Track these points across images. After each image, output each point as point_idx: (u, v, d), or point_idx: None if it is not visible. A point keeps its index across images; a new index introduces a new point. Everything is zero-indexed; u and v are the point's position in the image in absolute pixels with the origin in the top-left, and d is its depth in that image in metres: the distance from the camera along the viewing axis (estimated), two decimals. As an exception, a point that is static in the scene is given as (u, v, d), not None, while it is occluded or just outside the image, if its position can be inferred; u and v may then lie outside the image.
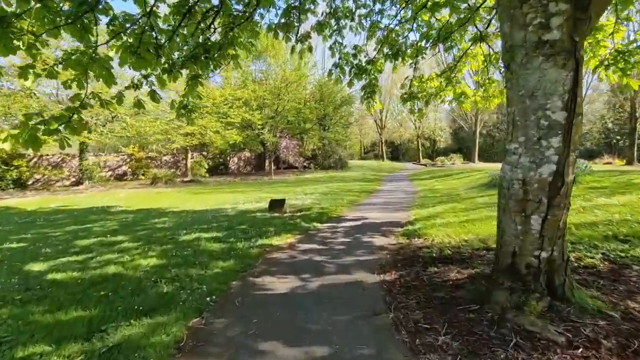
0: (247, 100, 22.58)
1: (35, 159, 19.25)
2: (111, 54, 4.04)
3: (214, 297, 3.84)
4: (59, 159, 20.20)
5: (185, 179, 21.08)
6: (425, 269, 4.56)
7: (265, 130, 22.88)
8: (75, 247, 6.21)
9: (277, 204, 9.49)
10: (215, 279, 4.35)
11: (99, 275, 4.59)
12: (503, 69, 3.88)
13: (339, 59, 7.29)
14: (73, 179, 20.23)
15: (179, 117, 5.44)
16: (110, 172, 22.73)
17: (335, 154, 31.64)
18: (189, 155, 23.62)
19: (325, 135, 31.15)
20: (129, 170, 23.02)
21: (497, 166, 28.62)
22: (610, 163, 31.24)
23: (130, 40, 3.99)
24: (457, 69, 8.23)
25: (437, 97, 8.41)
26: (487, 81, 8.03)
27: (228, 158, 30.96)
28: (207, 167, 21.72)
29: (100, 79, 3.83)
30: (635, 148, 29.52)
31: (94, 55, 3.72)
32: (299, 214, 9.09)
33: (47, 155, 19.77)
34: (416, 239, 6.16)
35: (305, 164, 26.04)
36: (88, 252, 5.79)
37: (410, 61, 7.99)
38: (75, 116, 3.99)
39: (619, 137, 37.44)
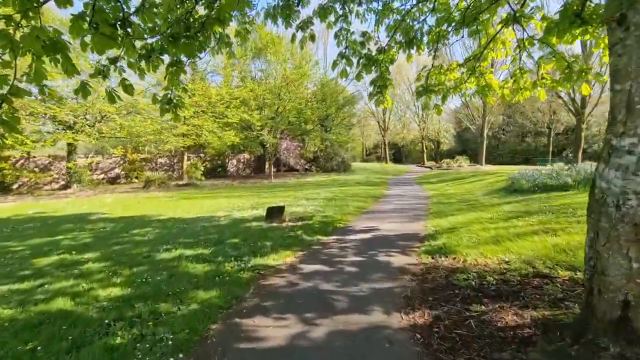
0: (246, 99, 21.56)
1: (21, 161, 18.21)
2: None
3: (181, 355, 2.74)
4: (47, 162, 19.15)
5: (181, 183, 20.02)
6: (468, 306, 3.46)
7: (265, 131, 21.83)
8: (28, 268, 5.12)
9: (275, 212, 8.40)
10: (190, 322, 3.25)
11: (39, 314, 3.50)
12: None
13: (346, 48, 6.21)
14: (62, 182, 19.19)
15: (163, 114, 4.50)
16: (102, 175, 21.68)
17: (337, 156, 30.56)
18: (185, 157, 22.57)
19: (327, 136, 30.09)
20: (123, 172, 21.97)
21: (507, 169, 27.61)
22: None
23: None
24: (483, 58, 7.09)
25: (457, 91, 7.28)
26: (518, 71, 6.89)
27: (227, 160, 29.91)
28: (203, 169, 20.65)
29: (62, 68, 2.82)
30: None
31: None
32: (300, 223, 7.99)
33: (35, 157, 18.74)
34: (443, 258, 5.06)
35: (306, 166, 24.99)
36: (40, 276, 4.69)
37: (428, 49, 6.91)
38: (5, 106, 2.96)
39: None
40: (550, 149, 36.30)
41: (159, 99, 4.80)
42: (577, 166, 23.63)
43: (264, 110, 25.05)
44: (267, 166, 31.25)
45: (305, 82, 24.90)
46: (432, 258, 5.13)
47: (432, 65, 6.93)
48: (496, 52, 7.07)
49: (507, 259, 4.74)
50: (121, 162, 22.03)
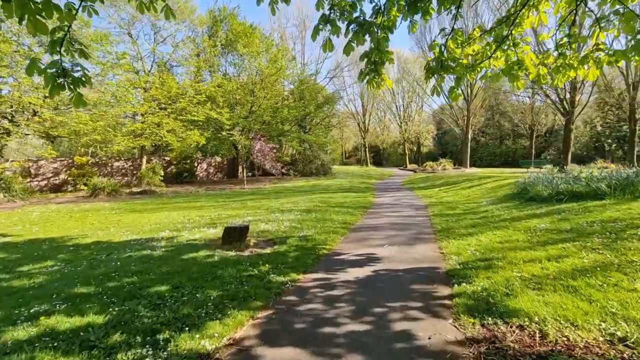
0: (213, 96, 19.10)
1: None
2: None
3: None
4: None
5: (136, 190, 17.25)
6: None
7: (236, 131, 19.41)
8: None
9: (236, 234, 6.13)
10: None
11: None
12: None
13: (330, 8, 4.20)
14: (-11, 191, 15.97)
15: (54, 92, 2.81)
16: (44, 182, 18.55)
17: (317, 159, 28.46)
18: (144, 161, 19.77)
19: (305, 137, 27.95)
20: (70, 179, 18.89)
21: (495, 172, 26.44)
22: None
23: None
24: (517, 22, 5.09)
25: (476, 71, 5.28)
26: (565, 41, 4.93)
27: (195, 164, 27.16)
28: (162, 174, 17.94)
29: None
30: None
31: None
32: (269, 250, 5.79)
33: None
34: (502, 327, 3.00)
35: (283, 170, 22.71)
36: None
37: (437, 14, 4.91)
38: None
39: (610, 141, 36.32)
40: (533, 152, 35.75)
41: (44, 66, 2.79)
42: (566, 168, 22.75)
43: (236, 109, 22.63)
44: (240, 170, 28.79)
45: (281, 79, 22.70)
46: (484, 326, 3.06)
47: (451, 31, 4.95)
48: (536, 17, 5.15)
49: (619, 333, 2.74)
50: (68, 166, 18.97)
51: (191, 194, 16.73)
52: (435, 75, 4.87)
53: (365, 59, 4.59)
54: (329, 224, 7.94)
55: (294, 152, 31.39)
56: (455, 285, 4.03)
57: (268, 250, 5.86)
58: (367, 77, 4.78)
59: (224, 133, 19.84)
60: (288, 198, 13.32)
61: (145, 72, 18.28)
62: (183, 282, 4.25)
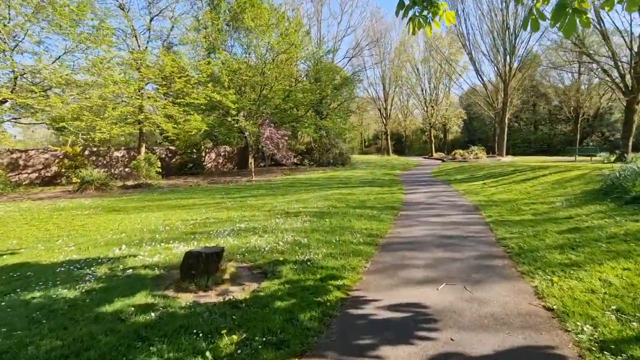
0: (217, 76, 16.90)
1: None
2: None
3: None
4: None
5: (130, 183, 15.42)
6: None
7: (241, 115, 17.20)
8: None
9: (199, 265, 3.88)
10: None
11: None
12: None
13: None
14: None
15: None
16: (35, 174, 17.06)
17: (335, 148, 25.98)
18: (143, 150, 17.94)
19: (322, 124, 25.47)
20: (63, 170, 17.31)
21: (538, 159, 22.88)
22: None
23: None
24: None
25: None
26: None
27: (203, 154, 25.28)
28: (160, 165, 16.00)
29: None
30: None
31: None
32: (249, 292, 3.53)
33: None
34: None
35: (296, 160, 20.44)
36: None
37: None
38: None
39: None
40: (578, 137, 31.84)
41: None
42: (627, 157, 19.32)
43: (245, 92, 20.38)
44: (250, 160, 26.75)
45: (294, 57, 20.21)
46: None
47: None
48: None
49: None
50: (61, 157, 17.39)
51: (190, 188, 14.73)
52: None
53: None
54: (348, 237, 5.59)
55: (310, 140, 29.03)
56: None
57: (247, 294, 3.59)
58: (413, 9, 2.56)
59: (229, 119, 17.68)
60: (298, 195, 11.02)
61: (141, 50, 16.24)
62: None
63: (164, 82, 15.01)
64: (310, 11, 41.39)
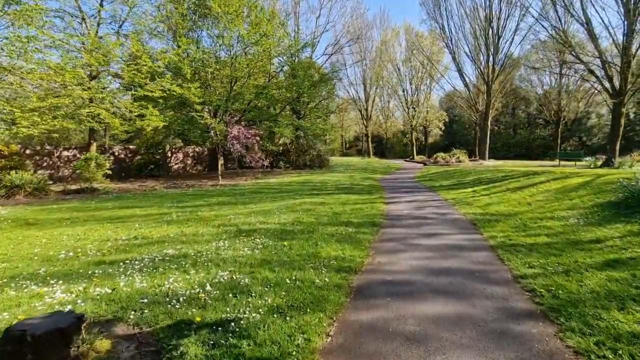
0: (178, 66, 14.92)
1: None
2: None
3: None
4: None
5: (73, 187, 13.23)
6: None
7: (205, 111, 15.30)
8: None
9: (26, 356, 2.14)
10: None
11: None
12: None
13: None
14: None
15: None
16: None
17: (312, 149, 24.35)
18: (94, 149, 15.73)
19: (299, 124, 23.81)
20: (-3, 172, 14.84)
21: (522, 164, 21.81)
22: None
23: None
24: None
25: None
26: None
27: (169, 154, 23.11)
28: (110, 167, 13.83)
29: None
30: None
31: None
32: None
33: None
34: None
35: (265, 163, 18.59)
36: None
37: None
38: None
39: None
40: (559, 142, 31.55)
41: None
42: (615, 161, 18.69)
43: (211, 86, 18.45)
44: (220, 162, 24.76)
45: (268, 51, 18.43)
46: None
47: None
48: None
49: None
50: (-6, 156, 14.92)
51: (142, 194, 12.72)
52: None
53: None
54: (309, 275, 3.98)
55: (287, 140, 27.33)
56: None
57: None
58: None
59: (193, 114, 15.74)
60: (262, 204, 9.31)
61: (88, 35, 14.09)
62: None
63: (114, 72, 12.93)
64: (288, 3, 39.67)
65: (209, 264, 4.38)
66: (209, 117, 15.72)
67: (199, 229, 6.55)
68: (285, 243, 5.25)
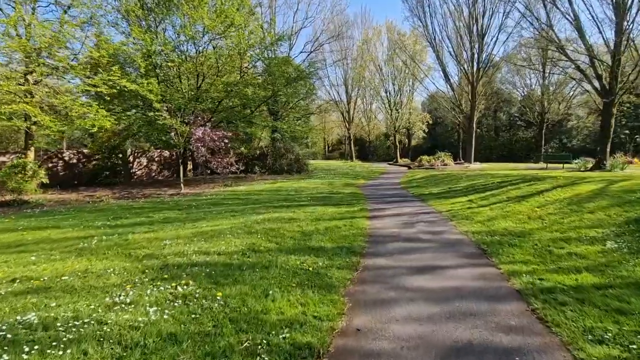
0: (130, 58, 12.96)
1: None
2: None
3: None
4: None
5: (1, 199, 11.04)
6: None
7: (164, 110, 13.37)
8: None
9: None
10: None
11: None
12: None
13: None
14: None
15: None
16: None
17: (290, 153, 22.62)
18: (31, 154, 13.50)
19: (275, 125, 22.07)
20: None
21: (508, 167, 20.59)
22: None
23: None
24: None
25: None
26: None
27: (131, 158, 20.85)
28: (44, 175, 11.65)
29: None
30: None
31: None
32: None
33: None
34: None
35: (232, 168, 16.71)
36: None
37: None
38: None
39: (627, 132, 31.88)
40: (543, 144, 31.00)
41: None
42: (607, 163, 17.84)
43: (174, 82, 16.51)
44: (189, 167, 22.73)
45: (239, 45, 16.63)
46: None
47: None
48: None
49: None
50: None
51: (81, 207, 10.67)
52: None
53: None
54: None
55: (263, 144, 25.54)
56: None
57: None
58: None
59: (150, 114, 13.77)
60: (218, 221, 7.53)
61: (24, 20, 11.97)
62: None
63: (43, 62, 10.81)
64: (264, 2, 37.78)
65: (70, 348, 2.61)
66: (169, 117, 13.77)
67: (113, 263, 4.74)
68: (220, 294, 3.52)
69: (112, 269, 4.42)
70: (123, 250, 5.40)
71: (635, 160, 26.20)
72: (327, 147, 60.31)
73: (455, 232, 6.17)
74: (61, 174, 17.67)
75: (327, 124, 50.87)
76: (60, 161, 17.72)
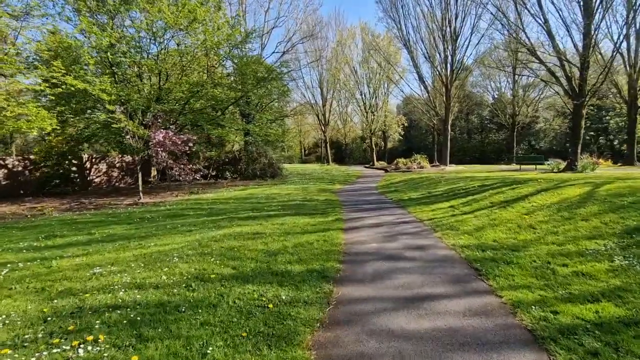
0: (77, 53, 11.58)
1: None
2: None
3: None
4: None
5: None
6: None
7: (118, 111, 12.07)
8: None
9: None
10: None
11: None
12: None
13: None
14: None
15: None
16: None
17: (263, 157, 21.56)
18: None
19: (248, 128, 20.96)
20: None
21: (485, 169, 20.33)
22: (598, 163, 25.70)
23: None
24: None
25: None
26: None
27: (88, 164, 19.08)
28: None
29: None
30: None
31: None
32: None
33: None
34: None
35: (197, 175, 15.47)
36: None
37: None
38: None
39: (592, 133, 33.09)
40: (515, 146, 31.54)
41: None
42: (578, 164, 18.02)
43: (131, 81, 15.12)
44: (153, 173, 21.12)
45: (203, 41, 15.47)
46: None
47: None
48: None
49: None
50: None
51: (14, 223, 9.21)
52: None
53: None
54: None
55: (237, 147, 24.29)
56: None
57: None
58: None
59: (101, 115, 12.37)
60: (168, 238, 6.45)
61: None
62: None
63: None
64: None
65: None
66: (124, 118, 12.43)
67: (13, 305, 3.61)
68: (139, 353, 2.54)
69: (3, 317, 3.32)
70: (37, 284, 4.26)
71: (601, 161, 27.05)
72: (303, 150, 59.47)
73: (442, 247, 5.45)
74: (3, 183, 15.79)
75: (304, 127, 50.05)
76: (3, 169, 15.83)
